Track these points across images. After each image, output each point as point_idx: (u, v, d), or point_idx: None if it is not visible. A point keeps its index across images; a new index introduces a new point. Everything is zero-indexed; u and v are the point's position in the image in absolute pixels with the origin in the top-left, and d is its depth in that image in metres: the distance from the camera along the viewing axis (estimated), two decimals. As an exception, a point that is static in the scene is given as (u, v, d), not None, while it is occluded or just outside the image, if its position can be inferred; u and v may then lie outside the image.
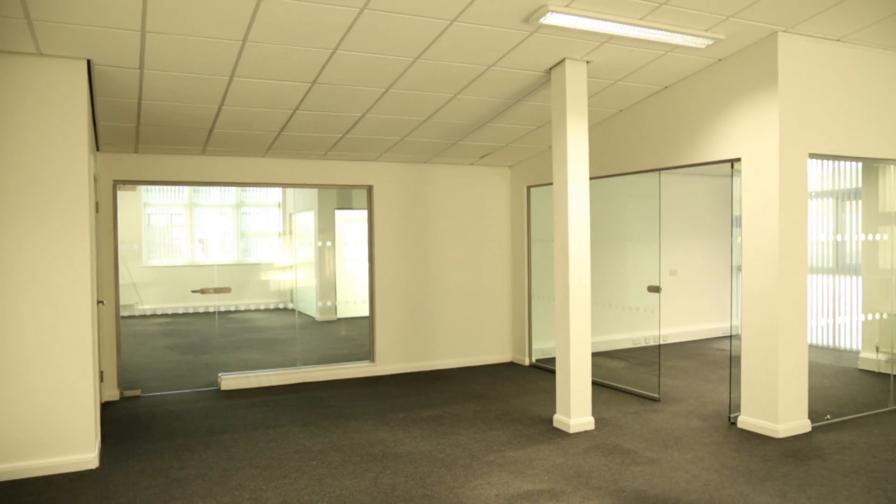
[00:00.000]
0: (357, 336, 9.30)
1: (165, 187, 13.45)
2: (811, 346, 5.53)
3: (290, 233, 13.35)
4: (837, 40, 5.31)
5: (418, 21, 4.39)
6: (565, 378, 5.46)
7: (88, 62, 4.63)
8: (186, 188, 13.69)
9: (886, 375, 6.65)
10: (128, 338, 10.06)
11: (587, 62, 5.34)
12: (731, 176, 5.55)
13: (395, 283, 7.86)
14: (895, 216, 6.85)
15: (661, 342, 8.77)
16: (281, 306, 12.42)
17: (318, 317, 11.00)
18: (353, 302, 9.87)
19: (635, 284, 7.25)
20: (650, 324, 6.87)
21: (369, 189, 7.76)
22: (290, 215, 13.35)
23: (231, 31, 4.30)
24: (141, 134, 6.14)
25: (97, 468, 4.69)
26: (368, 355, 7.90)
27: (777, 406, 5.16)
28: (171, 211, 14.06)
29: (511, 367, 8.18)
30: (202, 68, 4.84)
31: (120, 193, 6.85)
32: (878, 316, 6.86)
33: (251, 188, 13.57)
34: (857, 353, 7.39)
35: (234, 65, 4.81)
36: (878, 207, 6.91)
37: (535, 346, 8.25)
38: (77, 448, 4.67)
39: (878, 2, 4.58)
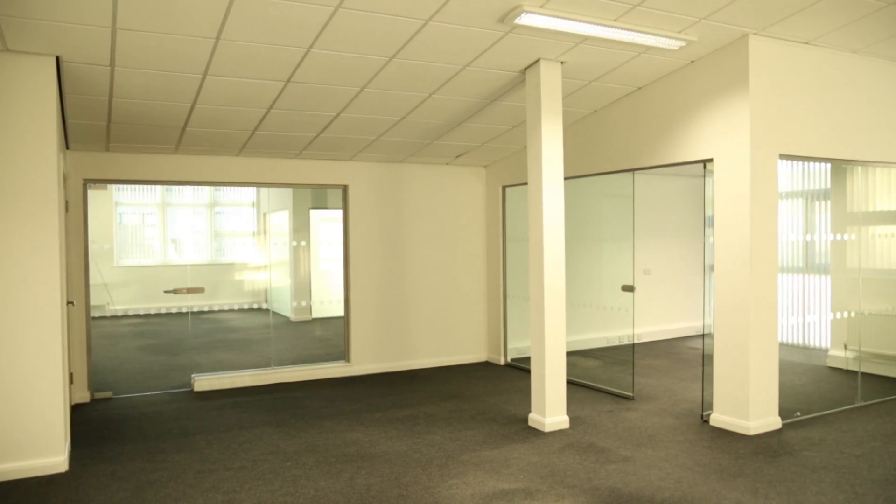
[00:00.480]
0: (332, 336, 9.26)
1: (137, 186, 13.28)
2: (782, 345, 5.61)
3: (265, 232, 13.26)
4: (806, 43, 5.40)
5: (393, 20, 4.38)
6: (540, 377, 5.48)
7: (57, 59, 4.55)
8: (159, 187, 13.53)
9: (854, 373, 6.77)
10: (99, 339, 9.92)
11: (562, 63, 5.37)
12: (704, 176, 5.62)
13: (371, 282, 7.84)
14: (863, 216, 6.99)
15: (635, 341, 8.85)
16: (255, 306, 12.32)
17: (292, 317, 10.94)
18: (328, 302, 9.83)
19: (609, 284, 7.31)
20: (624, 323, 6.93)
21: (344, 189, 7.73)
22: (265, 215, 13.26)
23: (204, 28, 4.26)
24: (112, 132, 6.05)
25: (67, 472, 4.62)
26: (343, 355, 7.87)
27: (748, 404, 5.24)
28: (143, 210, 13.88)
29: (486, 366, 8.19)
30: (174, 66, 4.79)
31: (91, 192, 6.75)
32: (846, 314, 6.98)
33: (225, 187, 13.46)
34: (826, 350, 7.53)
35: (207, 63, 4.76)
36: (846, 208, 7.05)
37: (510, 346, 8.27)
38: (46, 451, 4.59)
39: (845, 6, 4.66)
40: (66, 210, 5.99)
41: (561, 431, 5.43)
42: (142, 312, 12.76)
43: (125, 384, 7.31)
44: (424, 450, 5.01)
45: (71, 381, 6.11)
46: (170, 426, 5.72)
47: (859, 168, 6.80)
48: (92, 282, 6.75)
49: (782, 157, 5.42)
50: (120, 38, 4.30)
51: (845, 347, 7.20)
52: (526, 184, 5.62)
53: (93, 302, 6.89)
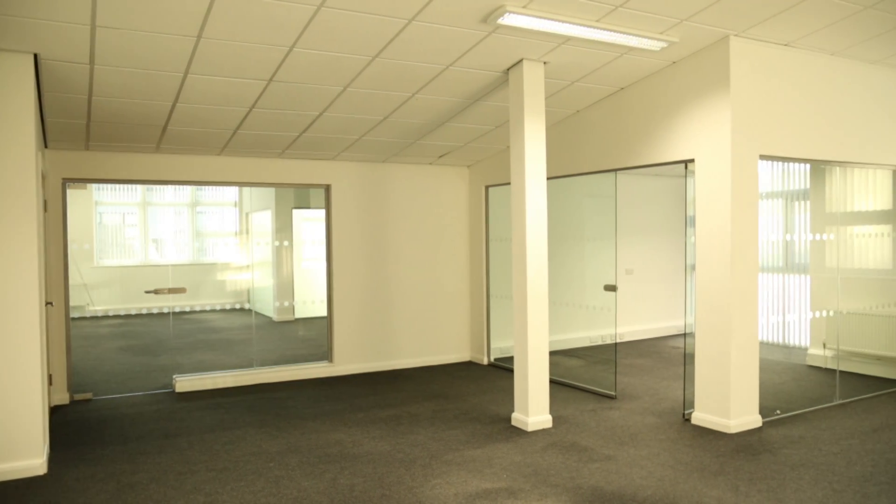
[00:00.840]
0: (315, 336, 9.22)
1: (118, 186, 13.16)
2: (762, 343, 5.67)
3: (247, 232, 13.17)
4: (786, 45, 5.46)
5: (376, 20, 4.37)
6: (523, 377, 5.50)
7: (35, 56, 4.49)
8: (140, 187, 13.40)
9: (833, 371, 6.85)
10: (78, 340, 9.80)
11: (544, 63, 5.39)
12: (685, 176, 5.66)
13: (354, 282, 7.82)
14: (841, 216, 7.07)
15: (618, 340, 8.89)
16: (237, 306, 12.24)
17: (275, 317, 10.87)
18: (310, 302, 9.78)
19: (592, 283, 7.34)
20: (607, 322, 6.96)
21: (327, 188, 7.70)
22: (247, 214, 13.17)
23: (185, 26, 4.22)
24: (92, 131, 5.99)
25: (45, 474, 4.56)
26: (327, 355, 7.85)
27: (729, 402, 5.28)
28: (123, 210, 13.74)
29: (469, 366, 8.20)
30: (155, 64, 4.75)
31: (70, 192, 6.68)
32: (825, 313, 7.06)
33: (207, 187, 13.36)
34: (806, 349, 7.61)
35: (188, 61, 4.73)
36: (825, 208, 7.13)
37: (493, 346, 8.28)
38: (24, 454, 4.53)
39: (824, 9, 4.72)
40: (45, 209, 5.92)
41: (544, 431, 5.45)
42: (122, 313, 12.64)
43: (105, 385, 7.24)
44: (408, 450, 5.00)
45: (50, 383, 6.04)
46: (151, 427, 5.68)
47: (838, 169, 6.88)
48: (71, 282, 6.68)
49: (762, 157, 5.47)
50: (99, 36, 4.26)
51: (824, 346, 7.29)
52: (509, 184, 5.63)
53: (72, 302, 6.82)
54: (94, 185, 12.74)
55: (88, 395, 6.73)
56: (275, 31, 4.38)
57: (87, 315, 12.41)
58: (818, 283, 7.22)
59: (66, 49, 4.41)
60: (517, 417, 5.58)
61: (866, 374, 6.97)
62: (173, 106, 5.53)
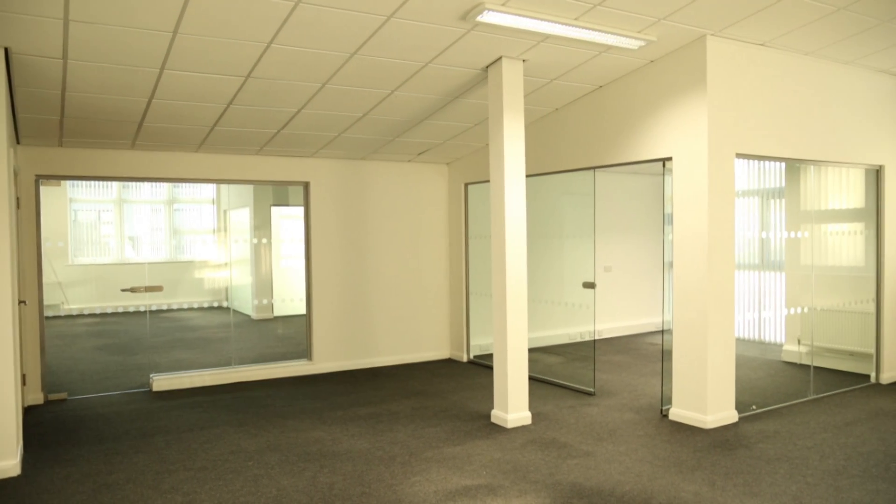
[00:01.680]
0: (294, 334, 9.17)
1: (93, 183, 12.98)
2: (738, 340, 5.73)
3: (225, 230, 13.07)
4: (762, 45, 5.52)
5: (355, 16, 4.35)
6: (503, 374, 5.51)
7: (6, 50, 4.42)
8: (115, 184, 13.24)
9: (807, 367, 6.95)
10: (53, 339, 9.67)
11: (523, 61, 5.40)
12: (663, 174, 5.70)
13: (333, 280, 7.79)
14: (815, 215, 7.17)
15: (597, 337, 8.95)
16: (216, 305, 12.14)
17: (253, 315, 10.80)
18: (290, 300, 9.73)
19: (571, 280, 7.38)
20: (586, 319, 7.00)
21: (306, 185, 7.66)
22: (225, 212, 13.06)
23: (161, 21, 4.17)
24: (66, 127, 5.90)
25: (19, 475, 4.49)
26: (306, 353, 7.81)
27: (706, 398, 5.33)
28: (99, 207, 13.56)
29: (449, 363, 8.21)
30: (131, 60, 4.69)
31: (43, 189, 6.57)
32: (799, 310, 7.16)
33: (183, 184, 13.23)
34: (781, 345, 7.70)
35: (164, 57, 4.67)
36: (799, 206, 7.22)
37: (473, 343, 8.30)
38: (-3, 455, 4.46)
39: (797, 10, 4.77)
40: (18, 206, 5.83)
41: (523, 427, 5.47)
42: (98, 312, 12.49)
43: (81, 385, 7.15)
44: (387, 447, 5.00)
45: (24, 383, 5.95)
46: (127, 427, 5.61)
47: (812, 167, 6.97)
48: (45, 280, 6.58)
49: (739, 156, 5.52)
50: (73, 30, 4.19)
51: (799, 342, 7.39)
52: (488, 181, 5.65)
53: (46, 301, 6.71)
54: (69, 182, 12.56)
55: (63, 395, 6.64)
56: (253, 26, 4.35)
57: (62, 314, 12.24)
58: (793, 281, 7.32)
59: (38, 43, 4.34)
60: (497, 414, 5.60)
61: (839, 370, 7.08)
62: (149, 102, 5.47)
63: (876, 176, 6.76)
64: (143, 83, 5.09)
